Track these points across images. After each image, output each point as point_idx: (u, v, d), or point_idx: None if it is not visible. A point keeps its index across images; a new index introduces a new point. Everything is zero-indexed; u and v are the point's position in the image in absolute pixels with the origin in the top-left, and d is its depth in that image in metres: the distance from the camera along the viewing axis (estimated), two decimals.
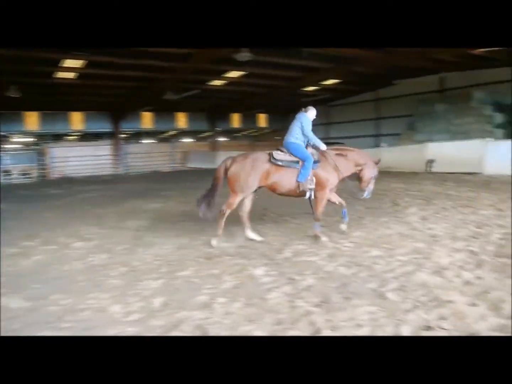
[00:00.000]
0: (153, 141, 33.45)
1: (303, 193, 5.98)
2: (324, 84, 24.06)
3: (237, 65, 17.54)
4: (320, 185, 5.95)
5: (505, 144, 14.61)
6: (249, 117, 32.50)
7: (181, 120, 29.83)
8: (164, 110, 27.77)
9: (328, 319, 3.27)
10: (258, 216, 7.88)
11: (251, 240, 6.01)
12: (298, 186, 5.89)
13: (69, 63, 15.71)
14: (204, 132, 33.28)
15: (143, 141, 33.97)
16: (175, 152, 29.06)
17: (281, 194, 6.24)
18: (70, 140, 31.46)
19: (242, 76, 20.55)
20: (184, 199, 10.99)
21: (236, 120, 32.10)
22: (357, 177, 6.41)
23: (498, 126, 18.95)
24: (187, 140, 34.55)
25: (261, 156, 6.03)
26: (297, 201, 9.52)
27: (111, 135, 26.77)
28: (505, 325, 3.05)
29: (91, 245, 6.32)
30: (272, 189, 6.07)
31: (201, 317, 3.46)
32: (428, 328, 3.05)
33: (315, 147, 6.18)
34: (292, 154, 6.01)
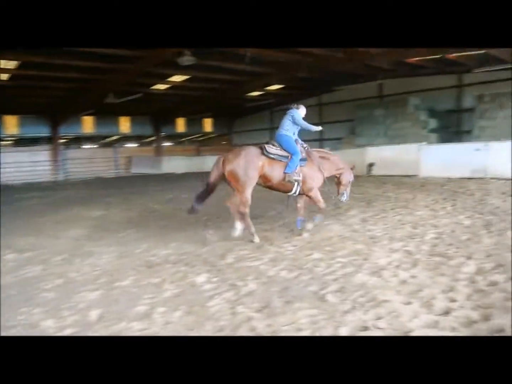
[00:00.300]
0: (95, 146, 32.34)
1: (289, 187, 6.29)
2: (268, 89, 24.37)
3: (181, 69, 17.37)
4: (307, 183, 6.34)
5: (438, 148, 15.45)
6: (194, 122, 32.23)
7: (124, 125, 29.04)
8: (106, 114, 26.94)
9: (268, 324, 3.27)
10: (202, 222, 7.81)
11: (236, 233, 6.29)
12: (285, 178, 6.16)
13: (2, 64, 14.88)
14: (148, 137, 32.64)
15: (84, 146, 32.79)
16: (118, 157, 28.23)
17: (269, 187, 6.48)
18: (4, 145, 29.72)
19: (186, 80, 20.38)
20: (127, 206, 10.70)
21: (181, 125, 31.70)
22: (336, 181, 7.03)
23: (432, 131, 20.00)
24: (130, 145, 33.73)
25: (253, 150, 6.27)
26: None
27: (50, 140, 25.55)
28: (437, 321, 3.19)
29: (25, 256, 5.97)
30: (263, 180, 6.28)
31: (139, 328, 3.36)
32: (365, 328, 3.13)
33: (302, 147, 6.59)
34: (282, 148, 6.32)
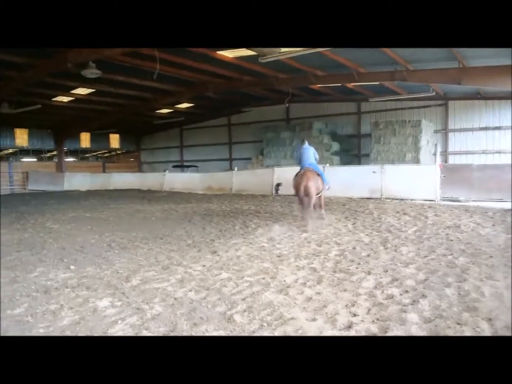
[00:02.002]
0: None
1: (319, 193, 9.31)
2: (178, 107, 24.24)
3: (86, 82, 16.65)
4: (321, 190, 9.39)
5: (340, 169, 16.41)
6: (100, 137, 30.88)
7: (21, 137, 26.91)
8: (0, 125, 24.79)
9: None
10: (106, 243, 7.42)
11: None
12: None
13: None
14: (49, 151, 30.59)
15: None
16: (13, 172, 25.97)
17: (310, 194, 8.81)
18: None
19: (91, 94, 19.55)
20: (21, 226, 9.82)
21: (85, 140, 30.18)
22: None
23: (335, 153, 21.24)
24: (28, 159, 31.28)
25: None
26: (151, 224, 9.28)
27: None
28: (340, 336, 3.31)
29: None
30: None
31: None
32: None
33: None
34: (315, 171, 9.32)
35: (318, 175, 9.25)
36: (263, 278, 4.97)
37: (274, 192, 16.38)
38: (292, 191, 15.31)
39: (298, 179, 9.06)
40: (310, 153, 9.62)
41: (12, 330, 3.65)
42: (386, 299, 4.16)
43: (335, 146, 21.55)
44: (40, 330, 3.62)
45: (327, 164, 16.10)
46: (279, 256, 6.09)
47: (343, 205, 12.02)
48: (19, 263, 6.15)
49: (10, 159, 29.05)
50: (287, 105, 21.42)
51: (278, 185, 16.39)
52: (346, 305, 3.99)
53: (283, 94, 20.27)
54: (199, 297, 4.35)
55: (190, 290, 4.57)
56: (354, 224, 8.76)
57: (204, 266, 5.62)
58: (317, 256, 6.07)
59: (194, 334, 3.42)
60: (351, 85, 17.91)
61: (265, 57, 11.79)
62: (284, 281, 4.85)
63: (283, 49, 11.40)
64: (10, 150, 29.97)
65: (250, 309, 3.95)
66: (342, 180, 14.85)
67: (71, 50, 12.84)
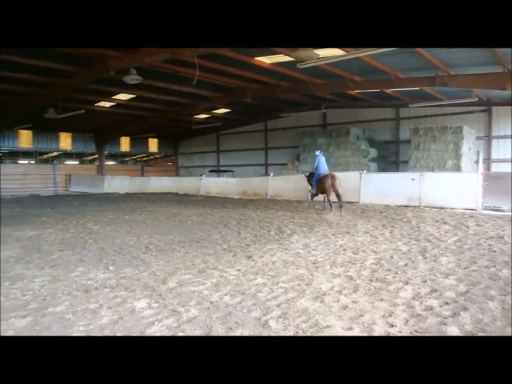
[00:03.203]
0: (31, 161, 30.78)
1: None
2: (215, 113, 24.55)
3: (127, 88, 17.15)
4: None
5: (377, 176, 16.12)
6: (139, 142, 31.69)
7: (65, 141, 28.00)
8: (46, 129, 25.85)
9: None
10: (144, 245, 7.58)
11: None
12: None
13: None
14: (90, 154, 31.62)
15: (20, 162, 31.13)
16: (57, 174, 27.02)
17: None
18: None
19: (132, 99, 20.11)
20: (64, 227, 10.19)
21: (125, 144, 31.05)
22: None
23: (372, 160, 20.91)
24: (71, 162, 32.45)
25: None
26: (187, 228, 9.41)
27: None
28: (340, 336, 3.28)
29: None
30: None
31: None
32: None
33: None
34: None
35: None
36: (298, 285, 4.94)
37: (309, 198, 16.26)
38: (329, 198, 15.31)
39: (328, 179, 12.08)
40: (324, 160, 12.80)
41: (54, 327, 3.78)
42: (425, 310, 4.04)
43: (373, 153, 21.24)
44: (80, 328, 3.74)
45: (364, 171, 15.85)
46: (314, 263, 6.04)
47: (380, 213, 11.80)
48: (61, 262, 6.38)
49: (54, 162, 30.17)
50: (324, 110, 21.29)
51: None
52: (383, 315, 3.91)
53: (320, 99, 20.19)
54: (234, 301, 4.37)
55: (226, 294, 4.60)
56: (391, 232, 8.58)
57: (239, 270, 5.64)
58: (353, 264, 5.98)
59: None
60: (389, 90, 17.64)
61: (303, 63, 11.78)
62: (320, 288, 4.81)
63: (321, 55, 11.36)
64: (55, 153, 31.14)
65: (285, 315, 3.93)
66: (379, 187, 14.61)
67: (114, 58, 13.27)
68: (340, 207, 11.84)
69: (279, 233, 8.64)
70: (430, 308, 4.08)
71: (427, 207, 12.98)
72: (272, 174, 20.16)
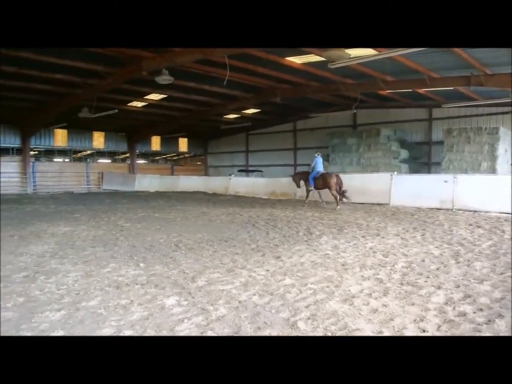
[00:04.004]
0: (66, 160, 31.67)
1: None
2: (244, 113, 24.64)
3: (158, 88, 17.42)
4: None
5: (409, 178, 15.83)
6: (169, 141, 32.15)
7: (98, 140, 28.68)
8: (80, 128, 26.56)
9: None
10: (174, 243, 7.68)
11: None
12: None
13: None
14: (122, 153, 32.27)
15: (55, 160, 32.09)
16: (90, 172, 27.71)
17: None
18: None
19: (163, 99, 20.42)
20: (96, 223, 10.44)
21: (156, 143, 31.56)
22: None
23: (403, 161, 20.54)
24: (103, 160, 33.23)
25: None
26: (216, 227, 9.48)
27: (19, 151, 24.87)
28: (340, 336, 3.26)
29: None
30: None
31: None
32: None
33: None
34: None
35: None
36: (327, 287, 4.90)
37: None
38: (357, 199, 15.15)
39: (332, 177, 13.77)
40: (321, 161, 14.47)
41: (87, 321, 3.88)
42: (458, 316, 3.94)
43: (404, 154, 20.87)
44: (112, 323, 3.82)
45: (395, 172, 15.59)
46: (343, 265, 5.98)
47: (411, 215, 11.58)
48: (93, 258, 6.54)
49: (88, 160, 30.96)
50: (354, 111, 21.05)
51: (343, 192, 16.10)
52: (415, 320, 3.83)
53: (350, 100, 19.98)
54: (263, 301, 4.37)
55: (254, 294, 4.60)
56: (423, 235, 8.40)
57: (267, 270, 5.64)
58: (383, 266, 5.89)
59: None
60: (422, 90, 17.28)
61: (334, 63, 11.68)
62: (349, 290, 4.75)
63: (352, 55, 11.24)
64: (88, 152, 31.93)
65: (314, 317, 3.91)
66: (411, 189, 14.34)
67: (146, 58, 13.51)
68: (342, 202, 13.85)
69: (307, 234, 8.59)
70: (464, 314, 3.97)
71: (460, 210, 12.65)
72: None
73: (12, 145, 24.66)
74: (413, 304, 4.27)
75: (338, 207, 13.52)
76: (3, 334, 3.57)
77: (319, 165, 14.31)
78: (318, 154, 14.66)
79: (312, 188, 14.49)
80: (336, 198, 13.71)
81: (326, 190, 14.08)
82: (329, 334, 3.51)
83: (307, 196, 15.02)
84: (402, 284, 5.02)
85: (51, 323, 3.84)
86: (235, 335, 3.54)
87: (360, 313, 4.02)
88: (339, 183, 13.74)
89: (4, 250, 7.10)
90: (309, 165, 24.90)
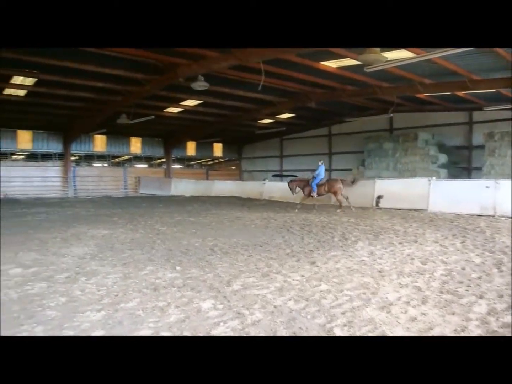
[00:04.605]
0: (105, 165, 32.61)
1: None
2: (279, 118, 24.65)
3: (194, 94, 17.68)
4: None
5: (448, 183, 15.40)
6: (204, 146, 32.55)
7: (135, 145, 29.40)
8: (118, 134, 27.31)
9: None
10: (209, 247, 7.76)
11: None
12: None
13: (18, 80, 15.26)
14: (159, 158, 32.94)
15: (94, 165, 33.09)
16: (127, 177, 28.44)
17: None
18: (16, 159, 30.02)
19: (198, 105, 20.72)
20: (133, 227, 10.69)
21: (191, 148, 32.03)
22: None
23: (442, 166, 19.99)
24: (140, 165, 34.00)
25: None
26: (250, 232, 9.51)
27: (61, 157, 25.84)
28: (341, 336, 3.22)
29: (29, 272, 5.93)
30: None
31: None
32: None
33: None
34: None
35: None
36: (364, 293, 4.83)
37: (374, 204, 15.88)
38: (394, 204, 14.88)
39: (338, 183, 14.79)
40: (323, 169, 15.25)
41: (125, 322, 3.97)
42: (501, 327, 3.79)
43: (443, 158, 20.32)
44: (150, 324, 3.89)
45: (434, 178, 15.19)
46: (380, 272, 5.88)
47: (450, 222, 11.25)
48: (131, 260, 6.69)
49: (125, 165, 31.77)
50: (391, 114, 20.66)
51: (379, 197, 15.86)
52: (455, 330, 3.71)
53: (386, 103, 19.64)
54: (298, 307, 4.35)
55: (290, 299, 4.59)
56: (463, 242, 8.14)
57: (303, 276, 5.61)
58: (421, 274, 5.75)
59: None
60: (462, 93, 16.79)
61: (370, 66, 11.54)
62: (386, 298, 4.67)
63: (389, 57, 11.08)
64: (126, 157, 32.76)
65: (350, 324, 3.86)
66: (450, 195, 13.94)
67: (183, 65, 13.76)
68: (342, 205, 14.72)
69: (343, 240, 8.50)
70: (508, 325, 3.82)
71: (502, 216, 12.19)
72: None
73: (55, 151, 25.65)
74: (453, 314, 4.15)
75: (339, 210, 14.31)
76: (48, 332, 3.71)
77: (323, 173, 15.13)
78: (322, 163, 15.38)
79: (315, 194, 15.03)
80: (341, 202, 14.67)
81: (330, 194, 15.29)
82: None
83: (300, 202, 15.63)
84: (441, 292, 4.89)
85: (92, 323, 3.95)
86: (235, 335, 3.56)
87: (398, 321, 3.94)
88: (343, 188, 14.77)
89: (48, 251, 7.39)
90: (349, 169, 24.88)
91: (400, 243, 8.05)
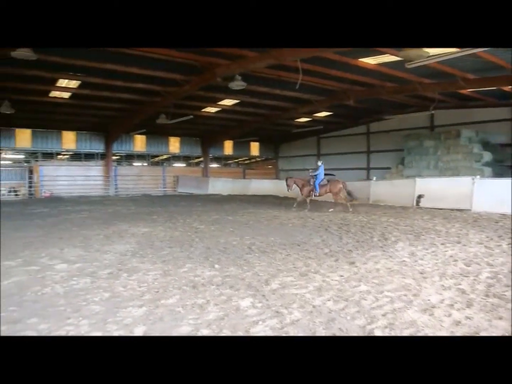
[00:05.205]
0: (144, 164, 33.39)
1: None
2: (316, 116, 24.45)
3: (231, 93, 17.81)
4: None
5: (493, 182, 14.81)
6: (241, 145, 32.73)
7: (174, 145, 29.93)
8: (157, 133, 27.88)
9: None
10: (247, 245, 7.80)
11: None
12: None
13: (64, 83, 15.84)
14: (196, 157, 33.39)
15: (134, 164, 33.95)
16: (166, 176, 29.01)
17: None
18: (60, 159, 31.23)
19: (235, 104, 20.84)
20: (172, 225, 10.88)
21: (228, 147, 32.29)
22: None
23: (486, 164, 19.25)
24: (178, 164, 34.58)
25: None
26: (288, 231, 9.49)
27: (103, 156, 26.67)
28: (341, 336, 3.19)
29: (74, 268, 6.15)
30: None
31: None
32: None
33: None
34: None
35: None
36: (405, 295, 4.71)
37: (415, 204, 15.49)
38: (435, 204, 14.47)
39: (339, 183, 14.99)
40: (323, 169, 15.19)
41: (166, 318, 4.05)
42: None
43: (487, 156, 19.55)
44: (189, 321, 3.95)
45: (478, 176, 14.65)
46: (421, 273, 5.72)
47: (495, 222, 10.82)
48: (171, 258, 6.81)
49: (164, 164, 32.41)
50: (432, 111, 20.07)
51: (419, 196, 15.46)
52: (503, 335, 3.57)
53: (427, 100, 19.10)
54: (337, 307, 4.30)
55: (328, 300, 4.55)
56: (509, 244, 7.81)
57: (341, 276, 5.55)
58: (465, 276, 5.55)
59: None
60: (508, 88, 16.09)
61: (411, 62, 11.26)
62: (428, 300, 4.54)
63: (431, 53, 10.77)
64: (164, 156, 33.41)
65: (391, 326, 3.78)
66: (495, 194, 13.40)
67: (221, 66, 13.88)
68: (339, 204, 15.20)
69: (382, 240, 8.34)
70: None
71: None
72: (374, 178, 19.53)
73: (97, 151, 26.50)
74: (500, 318, 3.98)
75: (332, 209, 14.93)
76: (93, 326, 3.84)
77: (323, 173, 15.18)
78: (322, 163, 15.51)
79: (317, 194, 15.21)
80: (342, 202, 15.10)
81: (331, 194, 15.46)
82: None
83: (297, 202, 15.52)
84: (487, 296, 4.71)
85: (134, 318, 4.05)
86: (234, 335, 3.55)
87: (441, 325, 3.82)
88: (345, 188, 14.97)
89: (91, 248, 7.65)
90: (388, 168, 24.38)
91: (442, 244, 7.81)
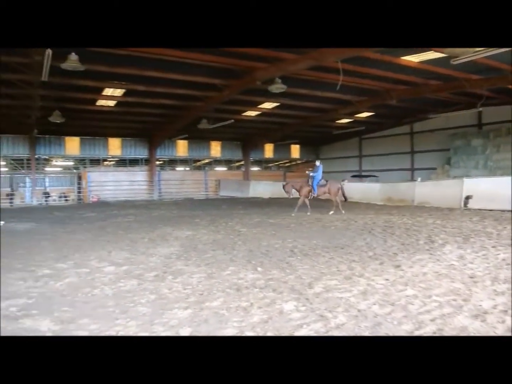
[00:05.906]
0: (187, 168, 34.01)
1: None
2: (357, 117, 24.09)
3: (271, 97, 17.85)
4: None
5: None
6: (282, 148, 32.72)
7: (215, 149, 30.33)
8: (199, 138, 28.34)
9: None
10: (289, 248, 7.78)
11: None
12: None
13: (109, 91, 16.42)
14: (237, 161, 33.68)
15: (177, 168, 34.64)
16: (208, 180, 29.43)
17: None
18: (107, 165, 32.34)
19: (276, 107, 20.87)
20: (215, 228, 11.01)
21: (269, 150, 32.36)
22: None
23: None
24: (220, 168, 35.00)
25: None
26: (330, 233, 9.39)
27: (147, 162, 27.40)
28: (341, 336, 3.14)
29: (122, 270, 6.34)
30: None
31: None
32: None
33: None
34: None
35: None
36: (454, 300, 4.54)
37: (462, 205, 14.94)
38: (484, 205, 13.88)
39: (337, 184, 15.37)
40: (321, 169, 15.24)
41: (211, 320, 4.09)
42: None
43: None
44: (234, 324, 3.97)
45: None
46: (471, 277, 5.49)
47: None
48: (214, 261, 6.89)
49: (206, 168, 32.88)
50: (480, 109, 19.30)
51: (467, 197, 14.89)
52: None
53: (474, 97, 18.41)
54: (383, 311, 4.20)
55: (374, 304, 4.45)
56: None
57: (387, 280, 5.42)
58: None
59: None
60: None
61: (457, 58, 10.90)
62: (480, 305, 4.35)
63: (478, 48, 10.37)
64: (206, 160, 33.89)
65: (440, 332, 3.64)
66: None
67: (260, 69, 13.95)
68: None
69: (429, 243, 8.08)
70: None
71: None
72: (419, 179, 18.99)
73: (141, 156, 27.27)
74: None
75: (331, 212, 14.60)
76: (140, 327, 3.93)
77: (321, 173, 15.22)
78: (320, 163, 15.71)
79: (315, 195, 15.21)
80: (337, 204, 14.95)
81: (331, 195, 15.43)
82: None
83: (298, 204, 15.26)
84: None
85: (180, 320, 4.12)
86: (235, 335, 3.54)
87: (494, 331, 3.65)
88: (343, 190, 15.25)
89: (137, 251, 7.86)
90: (433, 169, 23.66)
91: (493, 247, 7.48)
